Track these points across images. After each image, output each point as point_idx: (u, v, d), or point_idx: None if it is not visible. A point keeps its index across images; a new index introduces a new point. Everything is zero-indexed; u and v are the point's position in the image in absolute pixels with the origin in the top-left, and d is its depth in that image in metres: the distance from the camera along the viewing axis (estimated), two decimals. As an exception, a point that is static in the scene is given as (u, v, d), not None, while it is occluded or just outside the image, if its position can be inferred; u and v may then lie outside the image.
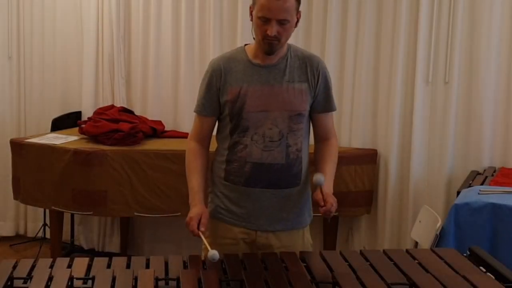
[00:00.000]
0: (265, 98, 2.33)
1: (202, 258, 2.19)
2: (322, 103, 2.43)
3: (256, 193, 2.36)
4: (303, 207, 2.46)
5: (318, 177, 2.21)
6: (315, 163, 2.47)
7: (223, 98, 2.36)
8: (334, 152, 2.47)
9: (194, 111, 2.47)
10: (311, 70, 2.38)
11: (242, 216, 2.39)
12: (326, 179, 2.34)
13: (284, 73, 2.35)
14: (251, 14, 2.31)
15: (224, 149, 2.40)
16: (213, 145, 2.50)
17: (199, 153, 2.43)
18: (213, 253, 2.02)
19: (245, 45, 2.44)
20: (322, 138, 2.49)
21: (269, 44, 2.27)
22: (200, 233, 2.20)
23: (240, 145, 2.35)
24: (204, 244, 2.22)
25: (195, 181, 2.38)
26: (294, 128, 2.36)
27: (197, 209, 2.29)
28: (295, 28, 2.33)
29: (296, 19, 2.29)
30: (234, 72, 2.35)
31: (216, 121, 2.46)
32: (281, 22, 2.23)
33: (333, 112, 2.50)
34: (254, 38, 2.34)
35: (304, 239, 2.47)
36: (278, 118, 2.33)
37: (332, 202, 2.26)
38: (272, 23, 2.22)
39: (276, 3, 2.20)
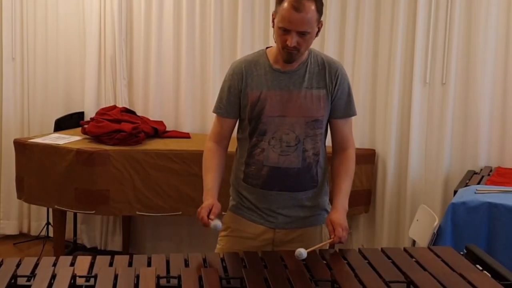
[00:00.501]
0: (283, 103, 2.34)
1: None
2: (341, 109, 2.42)
3: (273, 195, 2.39)
4: (321, 206, 2.48)
5: (300, 252, 2.08)
6: (332, 178, 2.47)
7: (243, 101, 2.37)
8: (351, 167, 2.46)
9: (214, 112, 2.46)
10: (330, 76, 2.38)
11: (261, 215, 2.42)
12: (341, 197, 2.36)
13: (303, 79, 2.35)
14: (273, 21, 2.30)
15: (244, 151, 2.42)
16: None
17: (217, 153, 2.43)
18: (216, 223, 2.05)
19: (267, 48, 2.44)
20: (339, 147, 2.47)
21: (288, 53, 2.27)
22: (210, 221, 2.19)
23: (258, 149, 2.37)
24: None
25: (209, 179, 2.37)
26: (311, 134, 2.37)
27: (208, 201, 2.28)
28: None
29: (317, 29, 2.29)
30: (255, 76, 2.36)
31: (235, 123, 2.46)
32: (302, 34, 2.23)
33: (352, 118, 2.48)
34: (275, 42, 2.33)
35: (322, 234, 2.48)
36: (295, 124, 2.34)
37: (340, 232, 2.26)
38: (292, 34, 2.22)
39: (297, 15, 2.19)
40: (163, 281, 1.90)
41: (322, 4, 2.28)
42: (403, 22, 4.05)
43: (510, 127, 3.94)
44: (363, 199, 4.16)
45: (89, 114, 4.77)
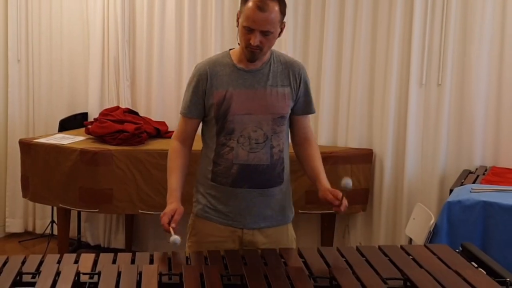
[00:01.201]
0: (249, 101, 2.38)
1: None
2: (303, 106, 2.50)
3: (242, 193, 2.42)
4: (286, 204, 2.53)
5: (347, 181, 2.20)
6: (303, 163, 2.53)
7: (208, 101, 2.41)
8: (318, 150, 2.55)
9: (180, 113, 2.51)
10: (293, 75, 2.45)
11: (229, 215, 2.44)
12: (321, 175, 2.43)
13: (267, 78, 2.41)
14: (237, 20, 2.36)
15: (210, 151, 2.45)
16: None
17: (181, 153, 2.47)
18: (175, 238, 2.09)
19: (230, 49, 2.50)
20: (302, 138, 2.55)
21: (251, 52, 2.33)
22: (171, 229, 2.23)
23: (226, 147, 2.40)
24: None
25: (174, 179, 2.41)
26: (277, 130, 2.42)
27: (172, 206, 2.32)
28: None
29: (280, 30, 2.35)
30: (220, 76, 2.40)
31: (199, 123, 2.50)
32: (265, 33, 2.29)
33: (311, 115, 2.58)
34: (239, 44, 2.40)
35: (289, 234, 2.53)
36: (262, 121, 2.39)
37: (343, 196, 2.30)
38: (256, 34, 2.28)
39: (261, 15, 2.25)
40: (165, 278, 1.94)
41: (285, 6, 2.35)
42: (400, 24, 4.08)
43: (504, 127, 3.96)
44: (361, 198, 4.18)
45: (93, 114, 4.80)
